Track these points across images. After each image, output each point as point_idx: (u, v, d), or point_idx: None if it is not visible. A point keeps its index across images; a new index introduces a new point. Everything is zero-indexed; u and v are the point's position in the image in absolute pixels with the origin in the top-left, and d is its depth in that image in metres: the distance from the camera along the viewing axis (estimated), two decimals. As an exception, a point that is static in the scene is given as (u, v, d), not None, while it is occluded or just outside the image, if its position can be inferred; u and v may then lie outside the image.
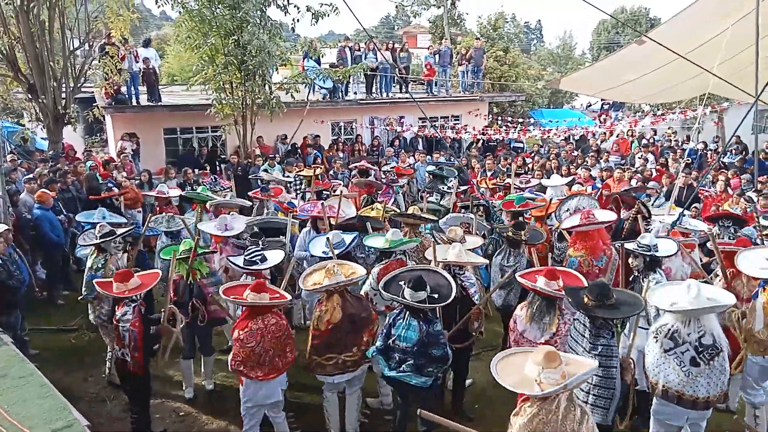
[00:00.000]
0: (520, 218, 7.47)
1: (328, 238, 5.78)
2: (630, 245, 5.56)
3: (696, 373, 4.13)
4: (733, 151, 14.80)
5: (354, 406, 5.22)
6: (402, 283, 4.65)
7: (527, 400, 3.13)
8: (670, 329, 4.19)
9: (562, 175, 11.42)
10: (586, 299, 4.29)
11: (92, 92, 15.27)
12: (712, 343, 4.12)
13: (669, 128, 17.98)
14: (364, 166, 11.85)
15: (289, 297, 5.04)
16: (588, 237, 6.52)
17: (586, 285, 4.60)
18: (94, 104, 14.41)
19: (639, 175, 12.02)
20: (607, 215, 6.80)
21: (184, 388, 6.11)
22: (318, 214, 7.02)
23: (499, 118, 20.60)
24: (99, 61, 13.13)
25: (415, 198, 12.33)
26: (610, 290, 4.32)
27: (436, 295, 4.56)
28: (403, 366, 4.49)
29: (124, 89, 14.37)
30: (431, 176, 10.98)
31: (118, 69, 13.15)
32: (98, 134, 18.69)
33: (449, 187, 10.16)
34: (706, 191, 10.81)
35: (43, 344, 7.10)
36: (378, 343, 4.69)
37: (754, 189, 10.24)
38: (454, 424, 3.36)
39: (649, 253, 5.32)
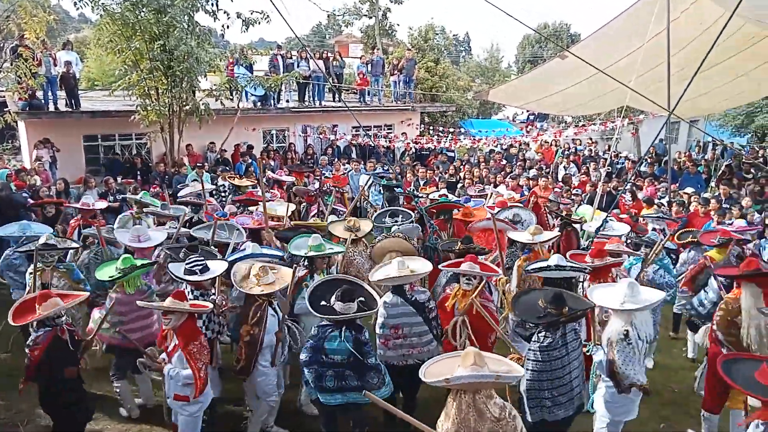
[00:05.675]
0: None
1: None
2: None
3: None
4: (649, 159, 15.71)
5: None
6: (327, 296, 4.51)
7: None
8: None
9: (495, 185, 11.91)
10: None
11: (3, 97, 14.34)
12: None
13: (589, 139, 18.87)
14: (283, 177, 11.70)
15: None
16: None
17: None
18: (5, 109, 13.52)
19: (563, 183, 12.56)
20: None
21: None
22: (258, 225, 6.89)
23: (431, 128, 20.93)
24: (11, 64, 12.32)
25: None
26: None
27: (363, 302, 4.50)
28: (344, 382, 4.41)
29: (39, 94, 13.55)
30: (383, 188, 10.75)
31: (33, 73, 12.37)
32: (10, 141, 17.52)
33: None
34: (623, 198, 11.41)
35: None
36: (303, 356, 4.47)
37: (666, 197, 10.92)
38: (397, 411, 3.37)
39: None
